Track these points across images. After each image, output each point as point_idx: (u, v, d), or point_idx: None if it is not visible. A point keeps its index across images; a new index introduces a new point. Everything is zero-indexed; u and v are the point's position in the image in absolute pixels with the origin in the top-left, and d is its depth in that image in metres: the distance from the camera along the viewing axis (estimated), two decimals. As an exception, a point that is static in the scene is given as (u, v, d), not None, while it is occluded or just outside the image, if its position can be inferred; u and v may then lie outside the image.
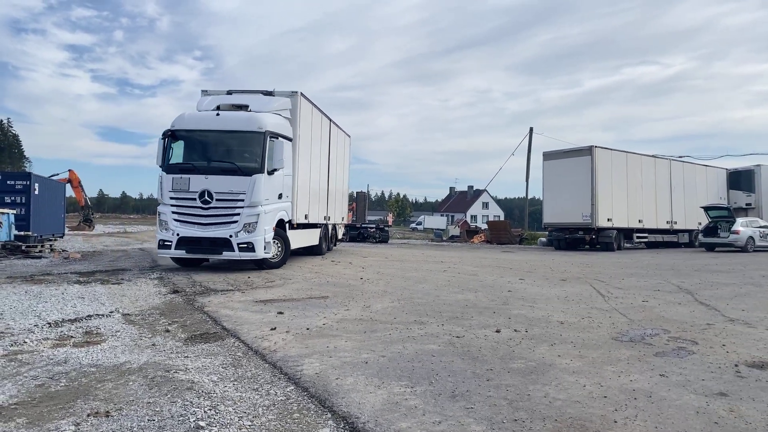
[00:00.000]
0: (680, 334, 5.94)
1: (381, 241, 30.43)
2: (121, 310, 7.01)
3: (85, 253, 16.40)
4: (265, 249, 11.45)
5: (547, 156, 25.47)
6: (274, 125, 12.00)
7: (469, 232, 35.94)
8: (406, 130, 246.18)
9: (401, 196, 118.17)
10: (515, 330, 6.04)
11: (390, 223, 54.47)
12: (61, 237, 23.12)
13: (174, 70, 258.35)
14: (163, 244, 11.36)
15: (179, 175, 11.35)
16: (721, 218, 23.87)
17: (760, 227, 23.49)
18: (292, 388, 3.97)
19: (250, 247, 11.22)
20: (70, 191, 29.49)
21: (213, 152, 11.82)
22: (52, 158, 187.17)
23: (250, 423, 3.30)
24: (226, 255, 11.34)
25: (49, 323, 6.10)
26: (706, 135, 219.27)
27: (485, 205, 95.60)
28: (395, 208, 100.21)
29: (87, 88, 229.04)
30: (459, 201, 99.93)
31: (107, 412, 3.42)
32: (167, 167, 11.53)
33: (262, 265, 11.97)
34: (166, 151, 11.57)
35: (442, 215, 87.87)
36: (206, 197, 11.15)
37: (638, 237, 25.13)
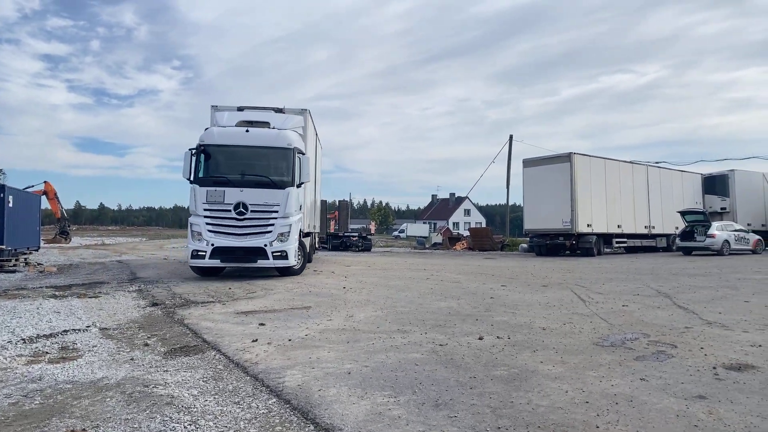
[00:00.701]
0: (660, 337, 6.02)
1: (364, 250, 30.41)
2: (98, 324, 6.87)
3: (61, 266, 16.08)
4: (294, 256, 12.08)
5: (527, 163, 25.73)
6: (297, 141, 12.71)
7: (452, 239, 36.10)
8: (388, 139, 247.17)
9: (384, 205, 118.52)
10: (498, 337, 6.06)
11: (372, 232, 54.49)
12: (36, 250, 22.57)
13: (152, 80, 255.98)
14: (196, 254, 11.61)
15: (213, 188, 11.68)
16: (697, 222, 24.34)
17: (735, 231, 24.02)
18: (274, 400, 3.93)
19: (283, 255, 11.84)
20: (45, 203, 28.92)
21: (244, 166, 12.21)
22: (28, 169, 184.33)
23: (231, 437, 3.24)
24: (261, 263, 11.85)
25: (23, 339, 5.95)
26: (681, 141, 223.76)
27: (467, 212, 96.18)
28: (378, 216, 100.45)
29: (63, 98, 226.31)
30: (441, 208, 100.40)
31: (84, 430, 3.34)
32: (199, 180, 11.80)
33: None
34: (195, 165, 11.83)
35: (424, 223, 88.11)
36: (241, 209, 11.54)
37: (617, 242, 25.53)
